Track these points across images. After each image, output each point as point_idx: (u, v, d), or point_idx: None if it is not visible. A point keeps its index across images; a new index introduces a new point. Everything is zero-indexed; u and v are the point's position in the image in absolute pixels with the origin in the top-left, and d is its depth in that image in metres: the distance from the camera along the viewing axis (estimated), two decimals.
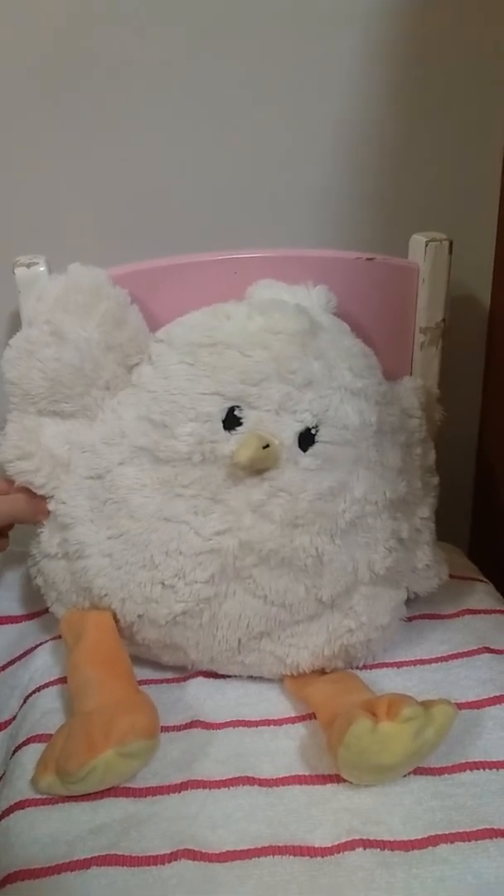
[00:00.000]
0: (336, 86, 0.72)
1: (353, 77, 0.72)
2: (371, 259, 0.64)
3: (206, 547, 0.54)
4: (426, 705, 0.50)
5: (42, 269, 0.60)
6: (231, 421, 0.54)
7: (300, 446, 0.54)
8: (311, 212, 0.75)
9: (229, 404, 0.54)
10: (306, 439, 0.55)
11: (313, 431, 0.55)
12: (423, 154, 0.75)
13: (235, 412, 0.54)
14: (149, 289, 0.61)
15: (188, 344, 0.56)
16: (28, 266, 0.60)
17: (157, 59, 0.70)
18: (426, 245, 0.65)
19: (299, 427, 0.54)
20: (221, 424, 0.54)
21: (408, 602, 0.62)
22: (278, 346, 0.54)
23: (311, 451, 0.54)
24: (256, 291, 0.60)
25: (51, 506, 0.58)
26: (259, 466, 0.53)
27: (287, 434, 0.54)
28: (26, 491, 0.58)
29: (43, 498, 0.58)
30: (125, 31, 0.69)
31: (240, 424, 0.54)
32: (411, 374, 0.68)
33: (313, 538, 0.54)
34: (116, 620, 0.57)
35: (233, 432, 0.54)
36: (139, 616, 0.56)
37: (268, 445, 0.53)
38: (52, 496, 0.58)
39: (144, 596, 0.55)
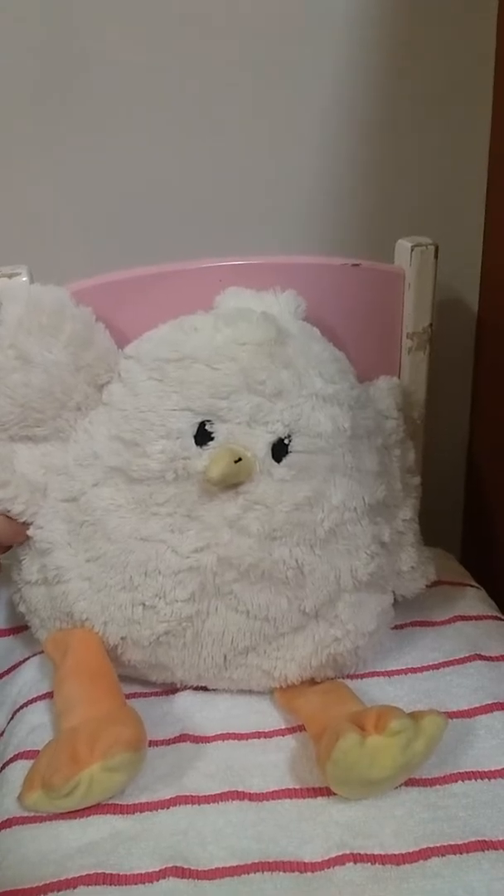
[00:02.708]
0: (321, 91, 0.72)
1: (338, 83, 0.72)
2: (356, 265, 0.64)
3: (185, 565, 0.53)
4: (415, 717, 0.49)
5: (24, 279, 0.60)
6: (202, 436, 0.54)
7: (274, 457, 0.54)
8: (295, 218, 0.75)
9: (199, 419, 0.54)
10: (280, 450, 0.54)
11: (286, 441, 0.54)
12: (407, 159, 0.75)
13: (206, 427, 0.54)
14: (127, 300, 0.60)
15: (155, 359, 0.55)
16: (10, 277, 0.60)
17: (146, 70, 0.69)
18: (412, 250, 0.64)
19: (272, 438, 0.54)
20: (193, 440, 0.54)
21: (398, 608, 0.62)
22: (246, 357, 0.54)
23: (285, 461, 0.54)
24: (223, 300, 0.59)
25: (29, 532, 0.57)
26: (232, 481, 0.53)
27: (260, 446, 0.54)
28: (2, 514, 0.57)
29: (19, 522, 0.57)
30: (113, 42, 0.68)
31: (211, 439, 0.54)
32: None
33: (292, 550, 0.54)
34: None
35: (205, 447, 0.54)
36: (122, 638, 0.55)
37: (240, 459, 0.52)
38: (31, 522, 0.57)
39: (126, 618, 0.55)
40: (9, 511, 0.56)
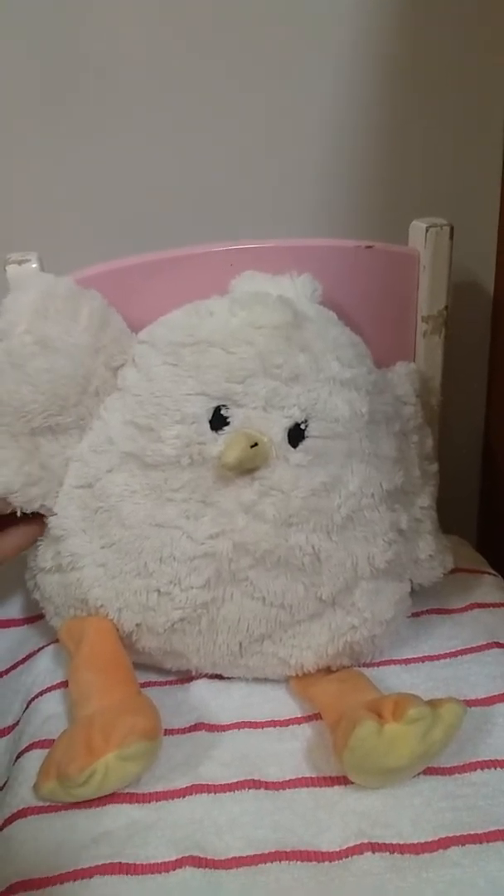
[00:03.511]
0: (332, 70, 0.71)
1: (350, 61, 0.70)
2: (370, 247, 0.63)
3: (200, 551, 0.53)
4: (434, 705, 0.49)
5: (34, 266, 0.59)
6: (218, 421, 0.53)
7: (290, 442, 0.53)
8: (308, 200, 0.74)
9: (215, 404, 0.53)
10: (296, 435, 0.53)
11: (303, 426, 0.53)
12: (421, 138, 0.73)
13: (222, 411, 0.53)
14: (138, 286, 0.60)
15: (170, 344, 0.55)
16: (20, 263, 0.59)
17: (151, 56, 0.69)
18: (426, 231, 0.63)
19: (288, 423, 0.53)
20: (208, 425, 0.53)
21: (414, 596, 0.61)
22: (262, 340, 0.53)
23: (301, 446, 0.53)
24: (239, 284, 0.58)
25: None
26: (248, 466, 0.52)
27: (276, 431, 0.53)
28: (37, 520, 0.56)
29: (36, 524, 0.56)
30: (117, 30, 0.68)
31: (227, 424, 0.53)
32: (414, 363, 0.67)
33: (309, 536, 0.53)
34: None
35: (220, 432, 0.53)
36: (137, 625, 0.55)
37: (256, 444, 0.51)
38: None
39: (141, 604, 0.54)
40: (44, 506, 0.55)
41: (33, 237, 0.63)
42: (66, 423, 0.56)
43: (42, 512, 0.56)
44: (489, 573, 0.70)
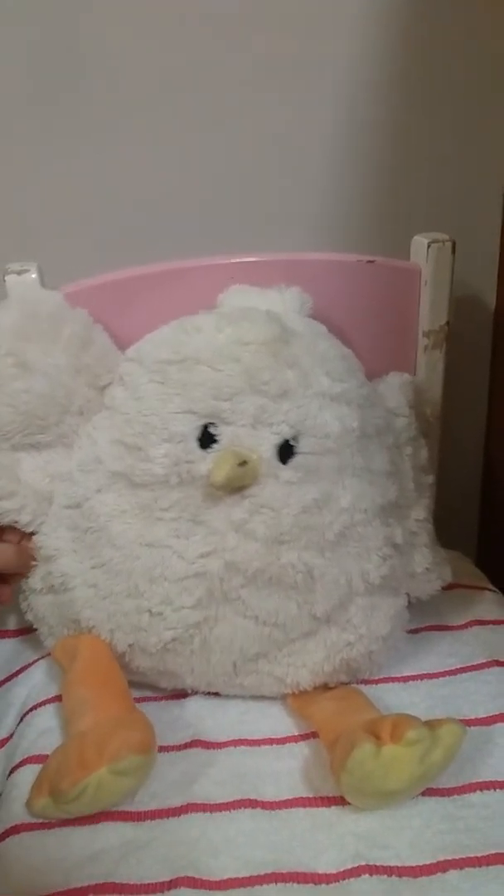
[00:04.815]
0: (334, 84, 0.71)
1: (353, 75, 0.71)
2: (372, 261, 0.63)
3: (191, 571, 0.52)
4: (433, 725, 0.48)
5: (34, 276, 0.59)
6: (206, 439, 0.53)
7: (280, 459, 0.53)
8: (309, 214, 0.74)
9: (203, 422, 0.53)
10: (286, 451, 0.53)
11: (292, 443, 0.53)
12: (423, 153, 0.73)
13: (210, 429, 0.53)
14: (134, 299, 0.59)
15: (157, 361, 0.54)
16: (19, 273, 0.59)
17: (154, 68, 0.69)
18: (428, 246, 0.63)
19: (277, 440, 0.53)
20: (196, 443, 0.53)
21: (413, 612, 0.60)
22: (249, 357, 0.52)
23: (291, 463, 0.53)
24: (227, 298, 0.58)
25: (34, 539, 0.57)
26: (237, 484, 0.51)
27: (265, 448, 0.52)
28: (12, 536, 0.56)
29: (30, 547, 0.57)
30: (117, 39, 0.68)
31: (215, 442, 0.53)
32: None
33: (301, 553, 0.53)
34: None
35: (209, 450, 0.52)
36: (130, 645, 0.54)
37: (245, 462, 0.51)
38: (37, 532, 0.56)
39: (132, 625, 0.54)
40: (16, 522, 0.56)
41: (33, 248, 0.63)
42: (48, 441, 0.56)
43: (16, 527, 0.56)
44: (489, 589, 0.69)
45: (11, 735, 0.57)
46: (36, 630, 0.64)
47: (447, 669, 0.59)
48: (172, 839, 0.47)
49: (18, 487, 0.55)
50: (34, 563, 0.57)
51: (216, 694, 0.58)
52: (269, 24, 0.68)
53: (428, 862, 0.45)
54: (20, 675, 0.62)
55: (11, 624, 0.67)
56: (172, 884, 0.44)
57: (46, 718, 0.56)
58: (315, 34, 0.69)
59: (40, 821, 0.48)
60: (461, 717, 0.52)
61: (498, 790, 0.49)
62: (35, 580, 0.57)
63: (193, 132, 0.71)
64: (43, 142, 0.70)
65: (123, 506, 0.54)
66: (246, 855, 0.46)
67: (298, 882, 0.45)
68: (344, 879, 0.45)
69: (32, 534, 0.57)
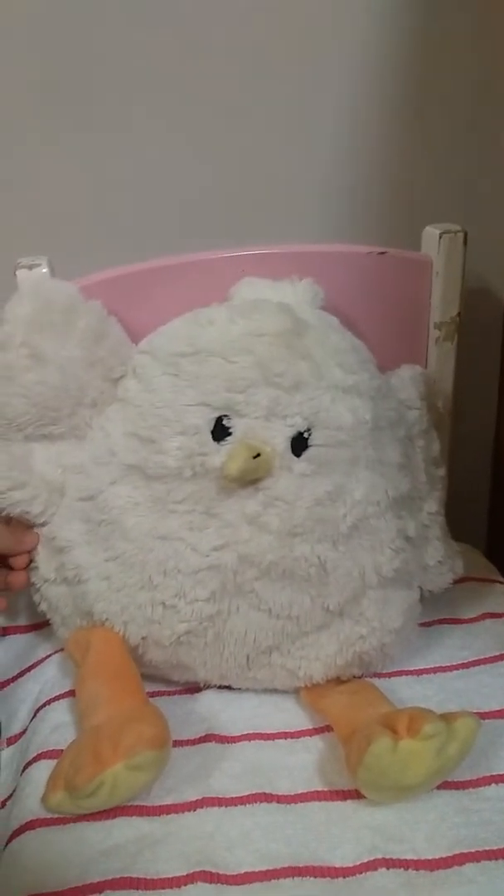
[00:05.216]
0: (343, 75, 0.70)
1: (361, 66, 0.70)
2: (383, 253, 0.62)
3: (205, 563, 0.52)
4: (448, 719, 0.48)
5: (44, 270, 0.59)
6: (220, 431, 0.53)
7: (293, 452, 0.53)
8: (321, 206, 0.74)
9: (216, 414, 0.53)
10: (299, 444, 0.53)
11: (306, 435, 0.53)
12: (434, 143, 0.73)
13: (224, 422, 0.53)
14: (147, 292, 0.59)
15: (170, 354, 0.54)
16: (30, 268, 0.59)
17: (159, 59, 0.68)
18: (440, 237, 0.63)
19: (291, 432, 0.53)
20: (210, 436, 0.53)
21: (425, 605, 0.60)
22: (262, 349, 0.52)
23: (304, 455, 0.53)
24: (239, 291, 0.58)
25: (46, 530, 0.56)
26: (251, 477, 0.51)
27: (279, 440, 0.52)
28: (4, 522, 0.56)
29: (28, 528, 0.57)
30: (126, 31, 0.67)
31: (229, 434, 0.52)
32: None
33: (314, 546, 0.52)
34: None
35: (222, 443, 0.52)
36: (143, 638, 0.54)
37: (259, 454, 0.51)
38: (48, 522, 0.56)
39: (146, 618, 0.54)
40: (28, 513, 0.56)
41: (44, 241, 0.63)
42: (61, 433, 0.56)
43: (25, 518, 0.56)
44: (500, 582, 0.69)
45: (25, 730, 0.57)
46: (48, 625, 0.64)
47: (460, 662, 0.59)
48: (188, 833, 0.47)
49: (30, 478, 0.55)
50: (28, 548, 0.57)
51: (228, 687, 0.58)
52: (280, 20, 0.68)
53: (444, 855, 0.45)
54: (33, 671, 0.62)
55: (23, 619, 0.67)
56: (189, 878, 0.45)
57: (60, 713, 0.56)
58: (323, 23, 0.69)
59: (55, 816, 0.48)
60: (474, 710, 0.52)
61: None
62: (48, 570, 0.57)
63: (200, 127, 0.71)
64: (51, 137, 0.70)
65: (137, 498, 0.54)
66: (262, 849, 0.46)
67: (315, 876, 0.45)
68: (360, 873, 0.45)
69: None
